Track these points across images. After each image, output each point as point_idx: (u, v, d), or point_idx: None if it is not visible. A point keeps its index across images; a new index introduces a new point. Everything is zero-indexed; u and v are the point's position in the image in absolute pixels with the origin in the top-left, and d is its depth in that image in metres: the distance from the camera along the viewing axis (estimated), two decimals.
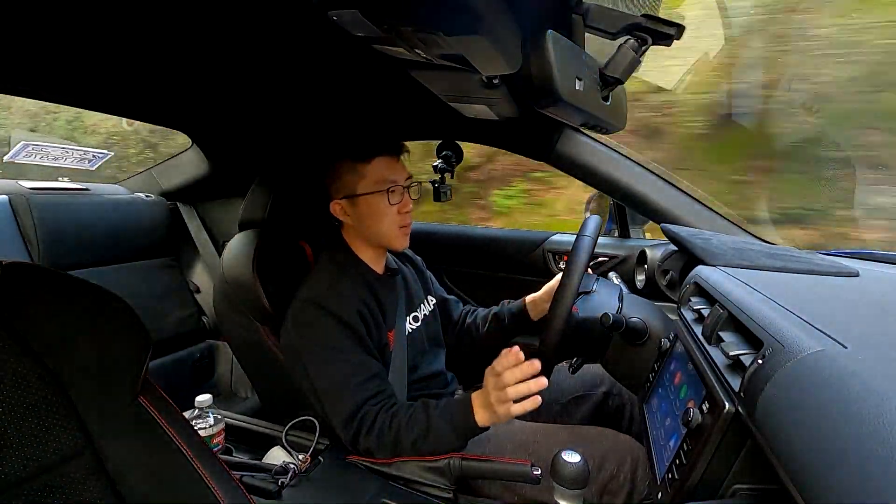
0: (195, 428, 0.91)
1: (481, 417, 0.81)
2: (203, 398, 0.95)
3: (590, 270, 1.10)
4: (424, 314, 1.11)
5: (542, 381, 0.75)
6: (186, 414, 0.95)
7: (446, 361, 1.15)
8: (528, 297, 1.16)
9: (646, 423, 0.75)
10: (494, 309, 1.21)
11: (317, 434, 0.91)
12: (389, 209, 0.95)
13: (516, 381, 0.75)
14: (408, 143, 1.03)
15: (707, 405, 0.52)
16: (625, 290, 0.98)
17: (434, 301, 1.17)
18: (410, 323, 1.05)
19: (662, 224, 1.11)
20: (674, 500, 0.54)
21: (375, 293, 0.96)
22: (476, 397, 0.82)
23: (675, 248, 1.09)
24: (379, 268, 1.03)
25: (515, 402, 0.76)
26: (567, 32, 0.58)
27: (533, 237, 1.52)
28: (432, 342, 1.11)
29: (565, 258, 1.44)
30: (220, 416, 0.96)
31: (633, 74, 0.66)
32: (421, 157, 1.67)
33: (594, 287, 0.94)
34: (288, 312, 0.94)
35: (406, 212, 0.97)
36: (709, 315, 0.62)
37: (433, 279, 1.23)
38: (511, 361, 0.75)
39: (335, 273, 0.95)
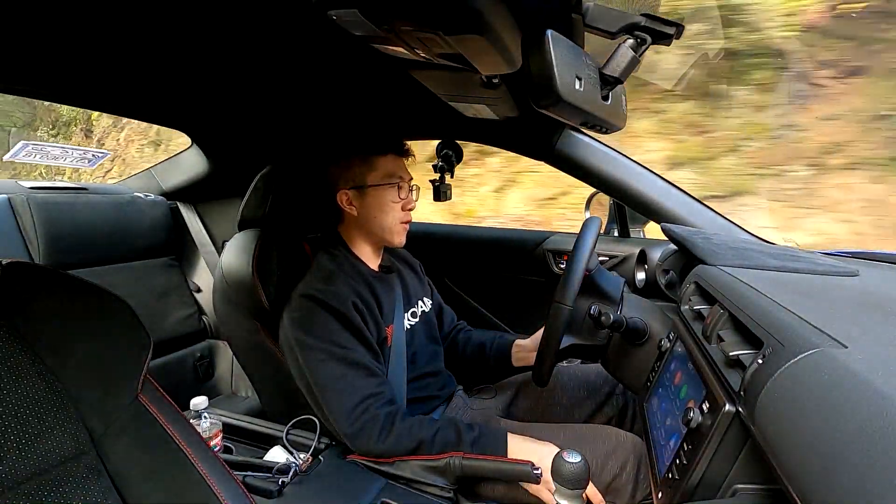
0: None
1: (513, 451, 0.84)
2: (198, 400, 0.94)
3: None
4: (423, 311, 1.12)
5: None
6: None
7: (444, 362, 1.15)
8: (518, 341, 1.16)
9: (646, 423, 0.75)
10: (484, 339, 1.20)
11: (317, 433, 0.91)
12: (396, 203, 0.99)
13: None
14: (410, 147, 1.06)
15: (707, 405, 0.52)
16: (625, 288, 0.98)
17: (431, 303, 1.18)
18: (409, 319, 1.06)
19: (662, 224, 1.11)
20: (674, 500, 0.54)
21: (372, 288, 0.97)
22: (514, 437, 0.85)
23: (675, 248, 1.09)
24: (374, 265, 1.05)
25: None
26: (567, 32, 0.58)
27: (533, 237, 1.52)
28: (431, 339, 1.12)
29: (565, 258, 1.44)
30: (216, 419, 0.96)
31: None
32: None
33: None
34: (284, 309, 0.94)
35: (410, 209, 1.01)
36: (709, 315, 0.62)
37: (432, 287, 1.24)
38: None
39: (331, 269, 0.96)
